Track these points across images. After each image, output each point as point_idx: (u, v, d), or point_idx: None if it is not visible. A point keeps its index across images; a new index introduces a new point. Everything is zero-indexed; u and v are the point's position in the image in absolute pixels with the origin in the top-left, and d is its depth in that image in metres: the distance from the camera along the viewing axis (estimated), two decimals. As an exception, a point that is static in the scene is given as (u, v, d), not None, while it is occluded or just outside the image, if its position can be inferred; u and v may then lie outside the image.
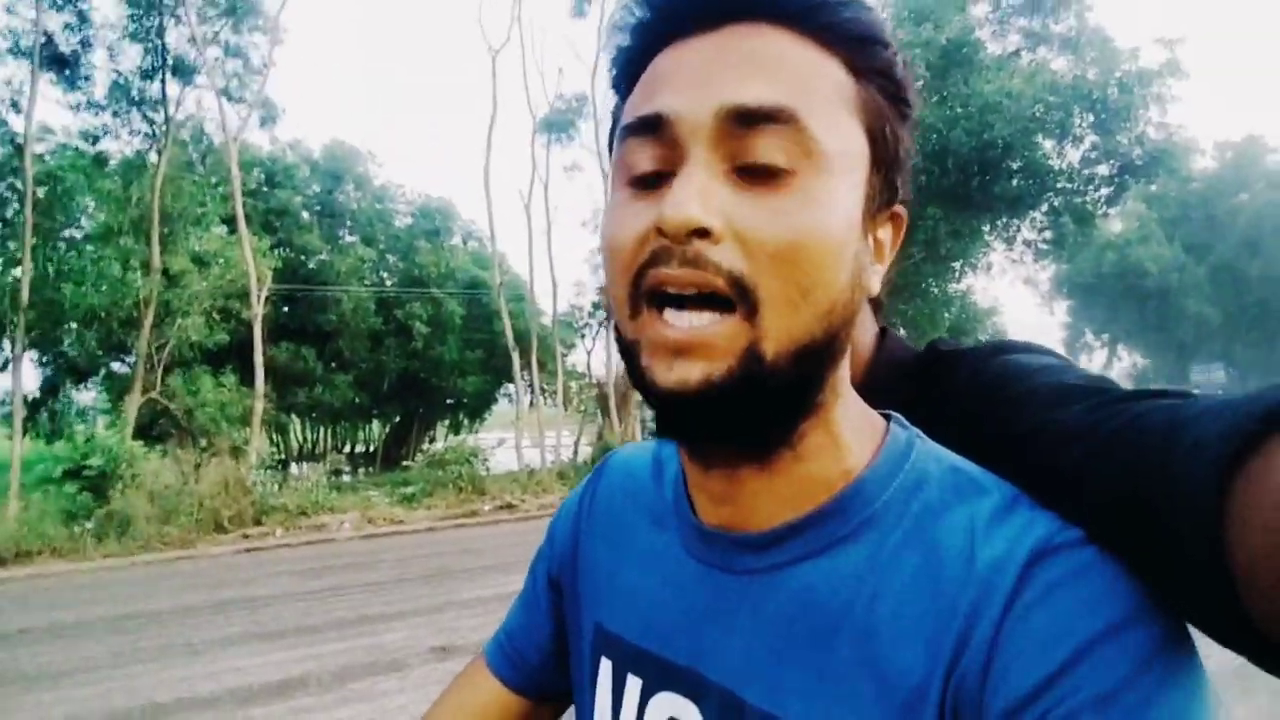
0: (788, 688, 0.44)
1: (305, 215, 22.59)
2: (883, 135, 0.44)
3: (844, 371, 0.47)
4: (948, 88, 14.64)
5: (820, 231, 0.40)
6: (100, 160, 14.74)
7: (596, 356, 21.22)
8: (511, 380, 18.25)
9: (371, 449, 26.12)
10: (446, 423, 27.40)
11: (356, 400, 22.02)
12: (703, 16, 0.43)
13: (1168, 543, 0.38)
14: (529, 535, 9.84)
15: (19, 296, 11.50)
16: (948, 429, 0.59)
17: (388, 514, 11.71)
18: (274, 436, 18.00)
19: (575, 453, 18.03)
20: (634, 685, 0.53)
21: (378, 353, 22.08)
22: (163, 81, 14.40)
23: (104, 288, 13.23)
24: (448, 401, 24.85)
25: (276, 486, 11.94)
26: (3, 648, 5.47)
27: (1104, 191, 15.49)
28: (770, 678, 0.45)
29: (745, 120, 0.40)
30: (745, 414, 0.42)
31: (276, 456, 14.99)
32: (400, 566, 8.02)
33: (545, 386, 20.70)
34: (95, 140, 14.67)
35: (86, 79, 14.11)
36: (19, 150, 12.28)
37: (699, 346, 0.40)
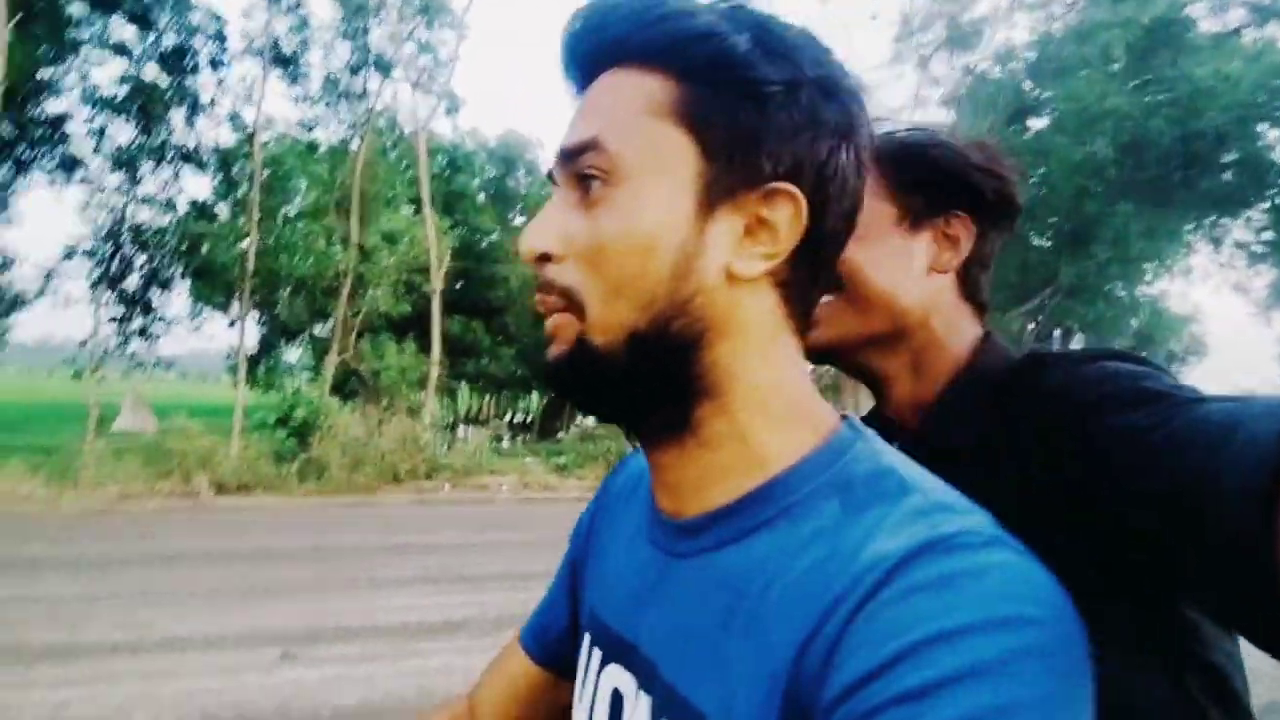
0: (691, 665, 0.47)
1: (480, 198, 24.13)
2: (711, 125, 0.45)
3: (748, 365, 0.48)
4: (1151, 71, 13.12)
5: (622, 235, 0.45)
6: (312, 147, 16.64)
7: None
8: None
9: (529, 419, 27.61)
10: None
11: (518, 372, 23.35)
12: (579, 82, 0.51)
13: (1213, 538, 0.37)
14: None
15: (245, 265, 13.27)
16: (1028, 433, 0.65)
17: (542, 480, 12.49)
18: (444, 401, 19.56)
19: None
20: (596, 657, 0.58)
21: (539, 329, 23.03)
22: (365, 76, 15.99)
23: (311, 260, 14.91)
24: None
25: (446, 447, 13.07)
26: (229, 565, 6.45)
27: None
28: (681, 654, 0.48)
29: (571, 157, 0.47)
30: (596, 389, 0.49)
31: (446, 419, 16.28)
32: (552, 529, 8.52)
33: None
34: (310, 129, 16.59)
35: (305, 75, 15.96)
36: (249, 138, 14.13)
37: (553, 336, 0.49)
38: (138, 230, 12.34)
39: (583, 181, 0.47)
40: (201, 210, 13.97)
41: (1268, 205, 14.12)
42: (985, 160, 0.79)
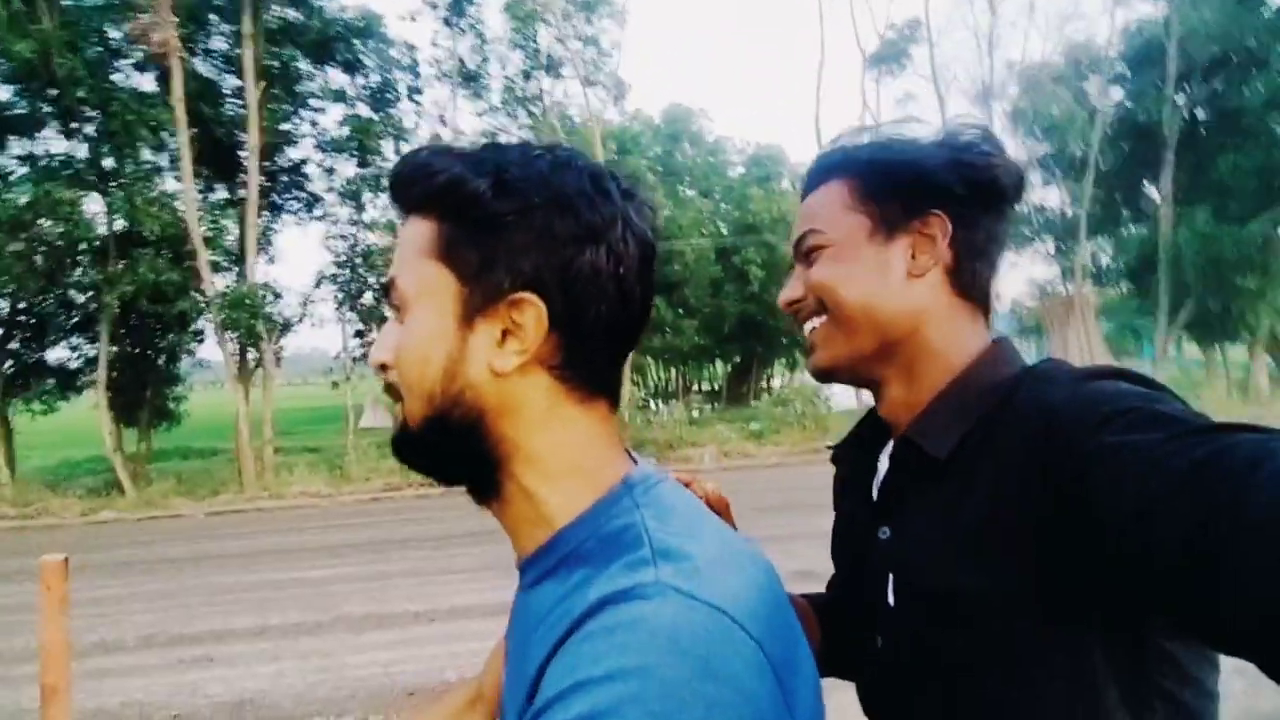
0: (508, 690, 0.59)
1: (650, 176, 24.67)
2: (462, 256, 0.55)
3: (527, 437, 0.56)
4: None
5: (402, 349, 0.56)
6: (497, 152, 17.93)
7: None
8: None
9: (716, 387, 27.95)
10: (783, 361, 28.22)
11: (701, 343, 23.71)
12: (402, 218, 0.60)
13: (1234, 576, 0.37)
14: (873, 476, 10.07)
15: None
16: (1014, 446, 0.65)
17: (739, 448, 12.88)
18: (634, 377, 20.36)
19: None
20: None
21: (718, 298, 23.53)
22: (537, 78, 16.98)
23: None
24: (783, 340, 25.58)
25: (645, 422, 13.78)
26: (489, 543, 7.19)
27: None
28: (508, 674, 0.61)
29: (385, 292, 0.60)
30: (421, 462, 0.60)
31: (639, 396, 17.05)
32: (755, 497, 8.82)
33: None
34: (493, 138, 17.82)
35: (486, 88, 17.24)
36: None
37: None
38: (368, 254, 14.09)
39: (395, 310, 0.59)
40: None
41: None
42: (952, 153, 0.78)
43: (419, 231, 0.57)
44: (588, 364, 0.58)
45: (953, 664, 0.68)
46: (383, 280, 0.63)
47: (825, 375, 0.83)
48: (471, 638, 4.69)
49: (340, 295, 14.12)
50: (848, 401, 15.99)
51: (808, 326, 0.84)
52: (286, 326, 13.31)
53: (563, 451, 0.57)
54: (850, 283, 0.79)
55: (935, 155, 0.78)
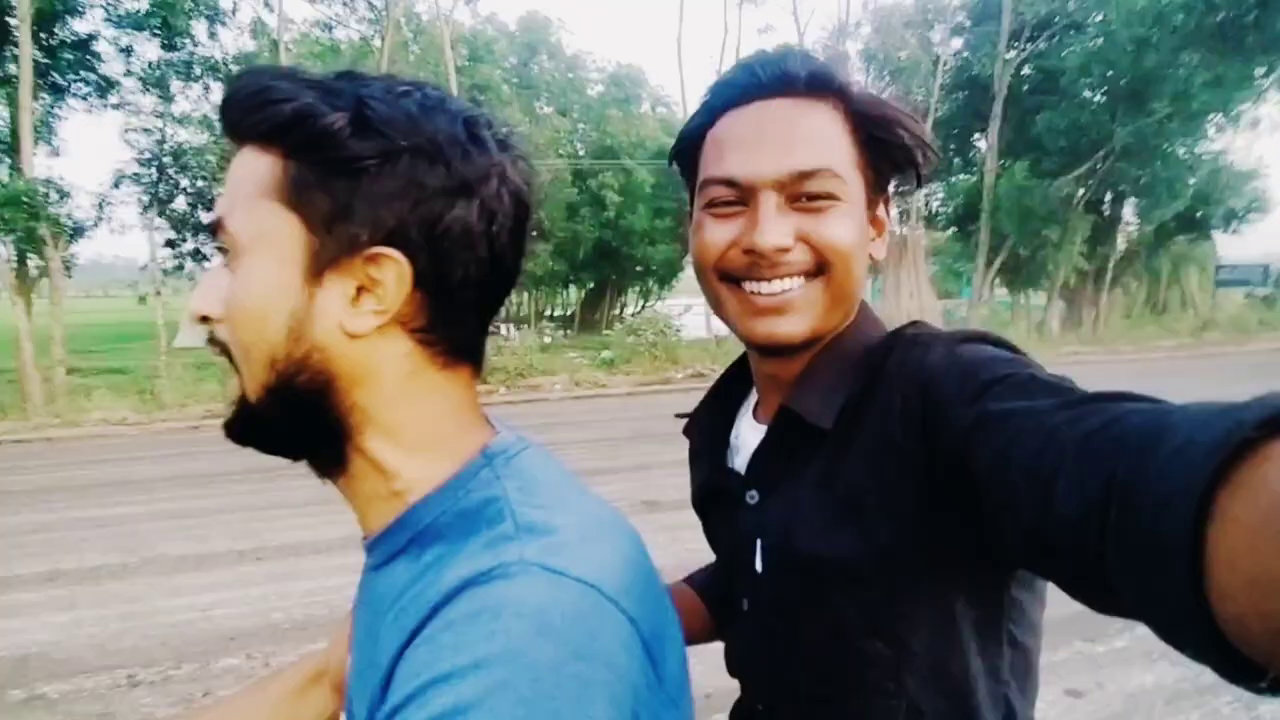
0: (356, 674, 0.55)
1: (505, 89, 23.47)
2: (311, 201, 0.49)
3: (382, 406, 0.52)
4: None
5: (236, 305, 0.50)
6: (334, 48, 16.25)
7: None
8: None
9: (570, 313, 27.92)
10: (637, 289, 28.51)
11: (555, 268, 23.47)
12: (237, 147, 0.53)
13: (1142, 546, 0.36)
14: (719, 404, 10.48)
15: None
16: (894, 410, 0.63)
17: (591, 378, 12.88)
18: (486, 300, 19.92)
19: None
20: None
21: (573, 222, 23.17)
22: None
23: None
24: (638, 269, 25.78)
25: (495, 349, 13.46)
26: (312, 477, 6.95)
27: None
28: (355, 664, 0.56)
29: (212, 234, 0.53)
30: (262, 439, 0.54)
31: (491, 319, 16.65)
32: (607, 427, 8.94)
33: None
34: (329, 29, 16.14)
35: (319, -30, 15.39)
36: (275, 45, 13.86)
37: (228, 397, 0.55)
38: (178, 152, 12.42)
39: (223, 253, 0.53)
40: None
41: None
42: (917, 125, 0.72)
43: (258, 167, 0.50)
44: (453, 327, 0.54)
45: (822, 625, 0.68)
46: (212, 218, 0.53)
47: (790, 346, 0.72)
48: (303, 576, 4.40)
49: (146, 198, 12.42)
50: (698, 331, 16.44)
51: (782, 287, 0.70)
52: (78, 231, 11.58)
53: (420, 421, 0.53)
54: (860, 252, 0.71)
55: (912, 128, 0.72)
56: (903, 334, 0.70)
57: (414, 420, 0.53)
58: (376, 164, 0.48)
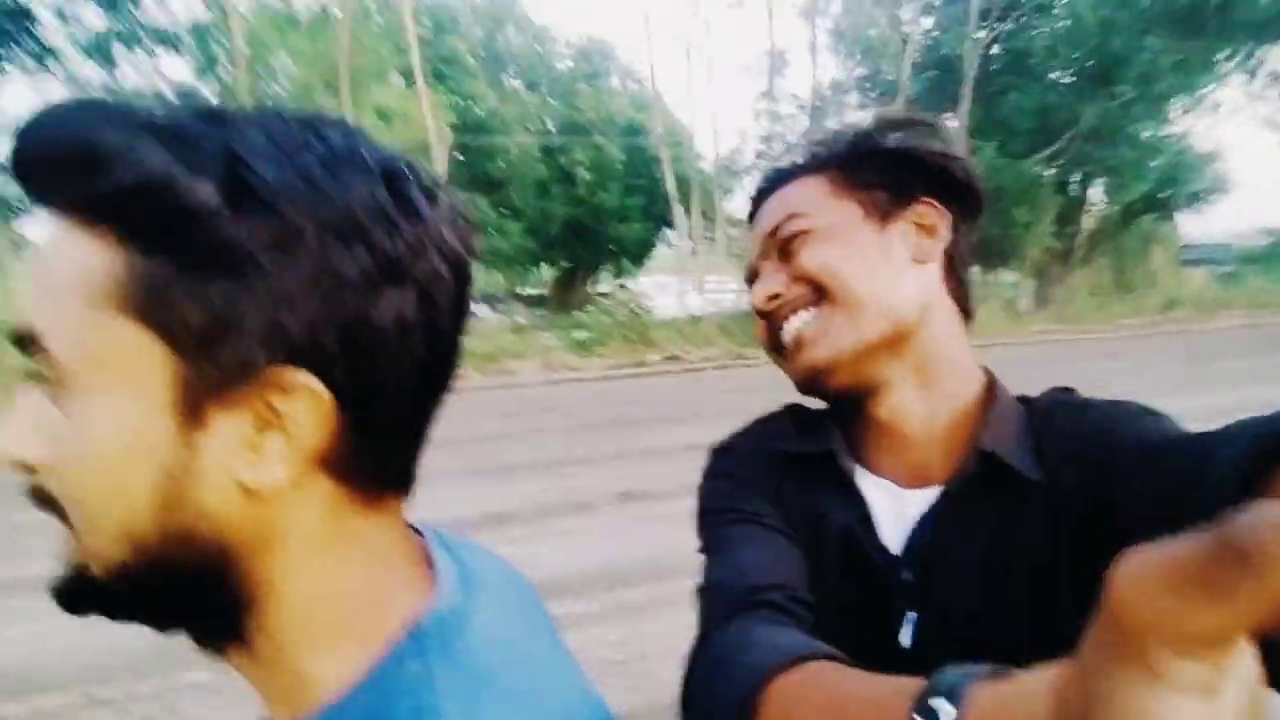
0: None
1: (471, 61, 22.88)
2: (175, 312, 0.35)
3: (290, 577, 0.40)
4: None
5: (78, 463, 0.37)
6: (292, 20, 15.62)
7: (758, 204, 20.66)
8: (671, 226, 18.45)
9: (543, 293, 27.65)
10: (610, 268, 28.26)
11: (526, 247, 23.11)
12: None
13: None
14: (695, 386, 10.40)
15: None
16: (1060, 469, 0.65)
17: (565, 361, 12.69)
18: (455, 279, 19.61)
19: (737, 301, 18.22)
20: None
21: (544, 200, 22.76)
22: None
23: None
24: (610, 247, 25.52)
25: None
26: None
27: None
28: None
29: (20, 346, 0.38)
30: (114, 610, 0.40)
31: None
32: (582, 414, 8.77)
33: (706, 234, 20.71)
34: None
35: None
36: (225, 14, 13.26)
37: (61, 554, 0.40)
38: None
39: (41, 379, 0.38)
40: (185, 97, 13.30)
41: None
42: (942, 143, 0.74)
43: (87, 260, 0.35)
44: (385, 453, 0.42)
45: None
46: (21, 328, 0.38)
47: (820, 376, 0.72)
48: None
49: None
50: (670, 307, 16.31)
51: (793, 324, 0.74)
52: (25, 209, 11.03)
53: (334, 589, 0.41)
54: (855, 261, 0.71)
55: (918, 141, 0.73)
56: (1052, 398, 0.72)
57: (325, 588, 0.41)
58: (271, 255, 0.35)
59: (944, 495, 0.69)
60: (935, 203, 0.73)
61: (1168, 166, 17.40)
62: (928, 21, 20.03)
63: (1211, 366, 10.03)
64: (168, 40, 12.44)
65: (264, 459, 0.37)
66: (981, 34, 17.91)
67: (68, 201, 0.36)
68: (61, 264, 0.36)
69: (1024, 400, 0.73)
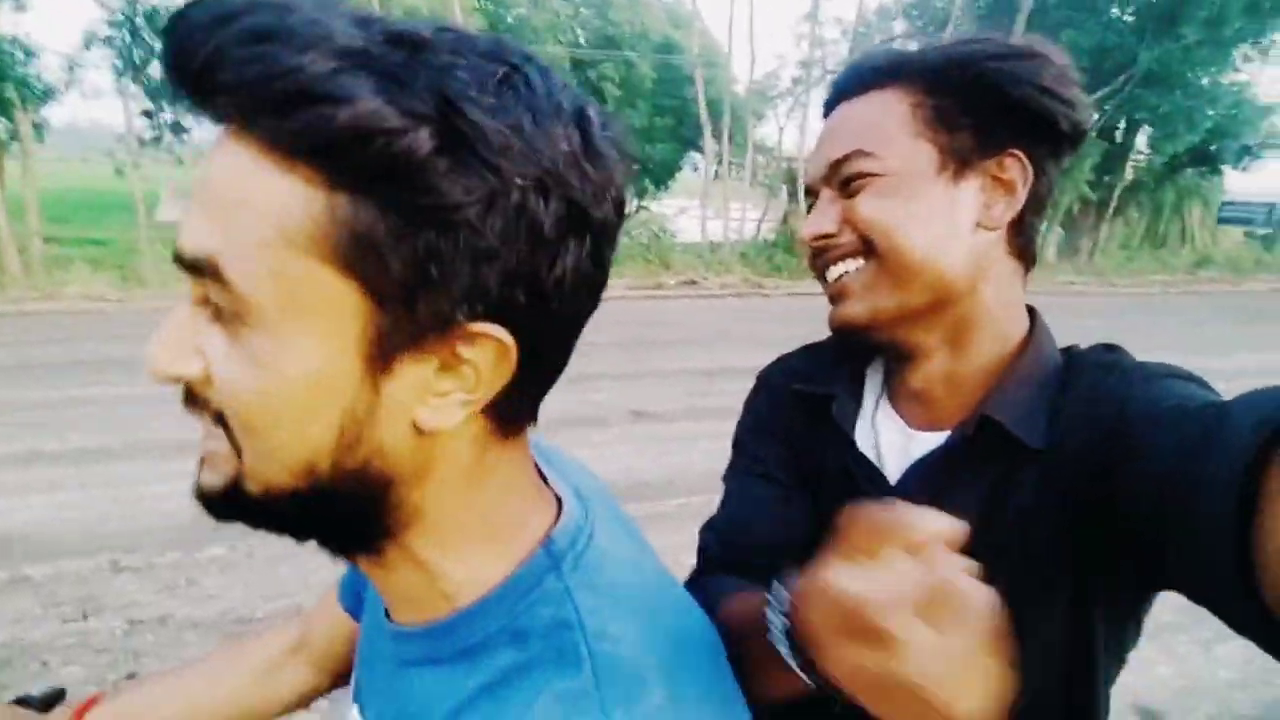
0: None
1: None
2: (379, 262, 0.34)
3: (439, 503, 0.42)
4: None
5: (262, 396, 0.36)
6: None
7: (790, 133, 20.15)
8: (699, 150, 18.08)
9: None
10: (633, 189, 27.85)
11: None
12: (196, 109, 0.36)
13: (1192, 526, 0.39)
14: (711, 312, 10.43)
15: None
16: (1084, 438, 0.62)
17: (583, 279, 12.69)
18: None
19: (758, 230, 18.01)
20: (353, 682, 0.59)
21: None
22: None
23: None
24: (635, 167, 25.08)
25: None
26: None
27: None
28: None
29: (188, 269, 0.37)
30: (258, 524, 0.42)
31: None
32: (599, 332, 8.68)
33: (733, 160, 20.29)
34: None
35: None
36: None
37: (204, 460, 0.41)
38: (151, 13, 11.55)
39: (206, 305, 0.37)
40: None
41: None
42: (1056, 79, 0.65)
43: (281, 196, 0.33)
44: (532, 390, 0.42)
45: None
46: (188, 249, 0.36)
47: (857, 331, 0.72)
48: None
49: (119, 63, 11.67)
50: (691, 231, 16.17)
51: (838, 270, 0.71)
52: (48, 94, 10.93)
53: (475, 511, 0.44)
54: (914, 224, 0.67)
55: (1023, 78, 0.64)
56: (1093, 358, 0.69)
57: (470, 512, 0.43)
58: (479, 209, 0.34)
59: (945, 445, 0.70)
60: (1023, 154, 0.67)
61: (1222, 118, 16.66)
62: (983, -53, 18.98)
63: (1243, 334, 9.83)
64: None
65: (443, 404, 0.38)
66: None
67: (260, 130, 0.33)
68: (252, 197, 0.34)
69: (1067, 353, 0.71)
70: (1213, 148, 17.56)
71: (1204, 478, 0.40)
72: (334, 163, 0.33)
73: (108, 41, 11.62)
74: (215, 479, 0.40)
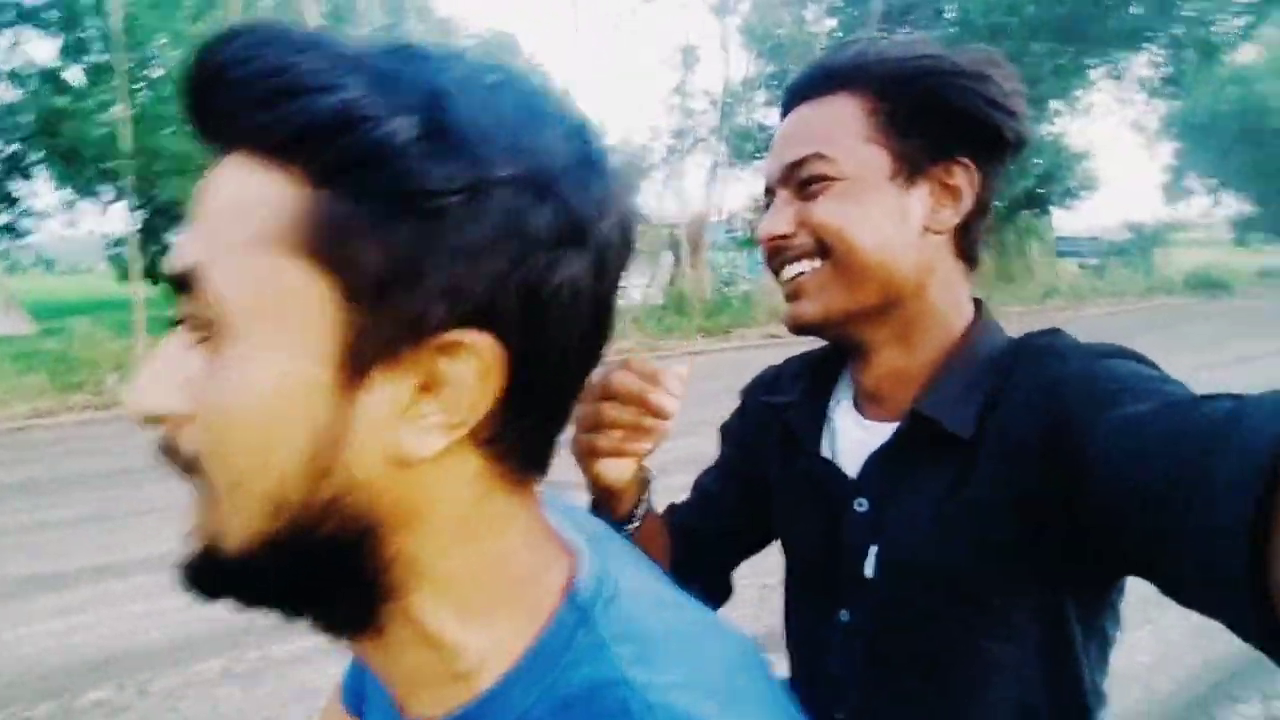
0: None
1: (370, 50, 22.09)
2: (355, 256, 0.32)
3: (439, 554, 0.38)
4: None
5: (227, 415, 0.33)
6: (176, 1, 14.56)
7: (669, 200, 20.84)
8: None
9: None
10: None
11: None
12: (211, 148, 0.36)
13: (1201, 532, 0.38)
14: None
15: (122, 142, 11.87)
16: (1029, 421, 0.62)
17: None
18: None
19: (643, 296, 18.33)
20: None
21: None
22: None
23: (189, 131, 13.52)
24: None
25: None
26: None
27: (1238, 22, 13.91)
28: None
29: (176, 287, 0.35)
30: (245, 598, 0.38)
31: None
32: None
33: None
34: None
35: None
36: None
37: (191, 526, 0.37)
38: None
39: (191, 324, 0.35)
40: (55, 81, 12.14)
41: (1167, 39, 14.67)
42: (1002, 93, 0.68)
43: (254, 196, 0.33)
44: (536, 429, 0.39)
45: (945, 631, 0.67)
46: (179, 267, 0.35)
47: (809, 329, 0.75)
48: (179, 590, 3.88)
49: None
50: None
51: (791, 270, 0.74)
52: None
53: (491, 570, 0.39)
54: (867, 228, 0.69)
55: (970, 90, 0.67)
56: (1033, 343, 0.70)
57: (478, 568, 0.39)
58: (463, 203, 0.33)
59: (891, 440, 0.72)
60: (971, 162, 0.70)
61: (1047, 164, 18.72)
62: (831, 22, 20.80)
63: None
64: (31, 18, 11.31)
65: (422, 428, 0.35)
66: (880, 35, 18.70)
67: (250, 133, 0.33)
68: (230, 199, 0.34)
69: (1014, 343, 0.72)
70: (1042, 191, 19.67)
71: (1211, 487, 0.39)
72: (315, 153, 0.32)
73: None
74: (191, 548, 0.37)
